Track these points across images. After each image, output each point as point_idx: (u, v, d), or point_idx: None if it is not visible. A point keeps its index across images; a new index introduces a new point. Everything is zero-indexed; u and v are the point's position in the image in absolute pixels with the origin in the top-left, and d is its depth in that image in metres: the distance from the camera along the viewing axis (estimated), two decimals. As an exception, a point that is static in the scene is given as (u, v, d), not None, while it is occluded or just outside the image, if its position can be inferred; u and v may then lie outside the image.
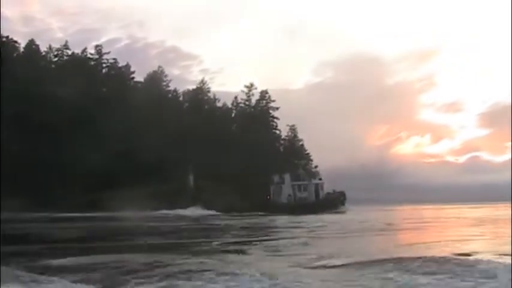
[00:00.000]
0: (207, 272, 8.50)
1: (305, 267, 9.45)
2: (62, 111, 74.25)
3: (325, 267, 9.25)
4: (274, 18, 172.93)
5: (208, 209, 64.24)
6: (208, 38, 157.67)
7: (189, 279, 8.08)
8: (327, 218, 41.80)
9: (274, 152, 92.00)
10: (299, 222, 34.64)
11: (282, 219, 39.79)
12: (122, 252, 12.99)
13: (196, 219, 42.70)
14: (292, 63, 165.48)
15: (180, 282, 7.86)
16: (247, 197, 70.96)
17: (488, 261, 8.94)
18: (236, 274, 8.23)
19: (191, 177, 78.33)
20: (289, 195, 70.65)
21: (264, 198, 71.23)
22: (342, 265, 9.31)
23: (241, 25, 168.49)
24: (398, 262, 9.01)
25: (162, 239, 18.80)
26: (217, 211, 61.10)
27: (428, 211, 60.47)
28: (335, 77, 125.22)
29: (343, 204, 68.32)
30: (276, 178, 73.57)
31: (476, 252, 11.16)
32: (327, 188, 71.57)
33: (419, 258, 9.42)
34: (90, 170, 71.66)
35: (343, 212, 58.67)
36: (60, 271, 9.56)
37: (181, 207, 63.13)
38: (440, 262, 8.73)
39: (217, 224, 32.75)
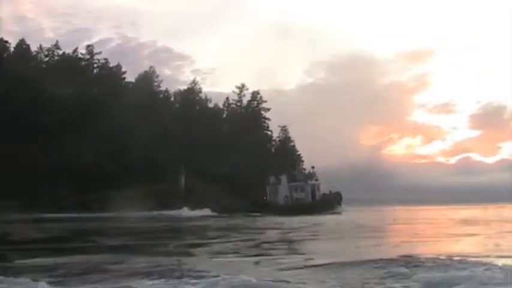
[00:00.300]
0: (140, 274, 8.52)
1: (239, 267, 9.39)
2: (52, 111, 74.10)
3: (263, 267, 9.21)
4: (267, 18, 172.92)
5: (201, 209, 64.05)
6: (200, 38, 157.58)
7: (118, 281, 8.06)
8: (315, 218, 41.61)
9: (265, 153, 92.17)
10: (280, 223, 34.69)
11: (266, 220, 39.81)
12: (78, 254, 12.94)
13: (184, 219, 42.56)
14: (284, 63, 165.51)
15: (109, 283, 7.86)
16: (243, 197, 71.02)
17: (425, 261, 8.86)
18: (165, 274, 8.29)
19: (183, 178, 78.36)
20: (286, 196, 70.73)
21: (260, 199, 71.26)
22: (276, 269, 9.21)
23: (233, 25, 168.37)
24: (338, 267, 8.97)
25: (129, 240, 18.72)
26: (212, 211, 60.94)
27: (422, 212, 60.44)
28: (327, 77, 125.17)
29: (339, 204, 68.19)
30: (272, 179, 73.66)
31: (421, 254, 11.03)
32: (323, 189, 71.63)
33: (369, 261, 9.36)
34: (82, 170, 71.52)
35: (338, 213, 58.55)
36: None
37: (174, 208, 63.07)
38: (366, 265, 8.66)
39: (197, 226, 32.67)
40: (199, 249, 13.81)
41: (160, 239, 18.84)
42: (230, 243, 15.28)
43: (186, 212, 61.31)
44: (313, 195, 69.94)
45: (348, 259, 10.40)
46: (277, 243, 15.88)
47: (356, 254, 12.18)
